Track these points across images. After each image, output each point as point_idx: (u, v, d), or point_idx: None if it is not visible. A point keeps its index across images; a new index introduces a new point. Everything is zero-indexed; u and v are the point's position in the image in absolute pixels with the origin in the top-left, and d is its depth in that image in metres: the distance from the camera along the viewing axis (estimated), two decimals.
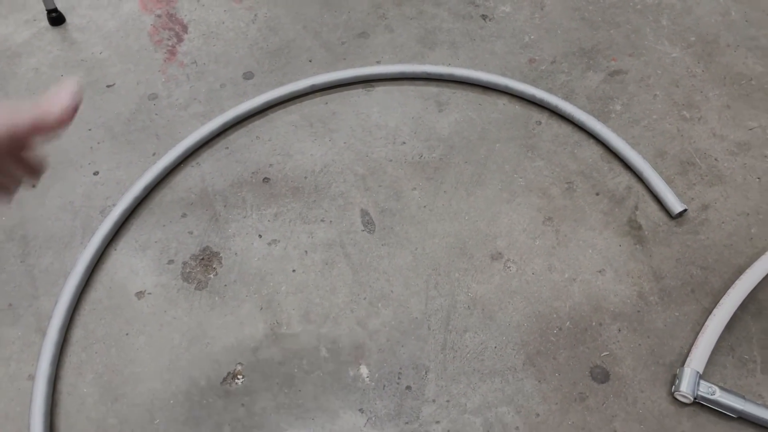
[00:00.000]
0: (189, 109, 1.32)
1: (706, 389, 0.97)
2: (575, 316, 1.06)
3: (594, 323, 1.06)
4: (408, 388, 0.99)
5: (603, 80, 1.36)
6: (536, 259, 1.12)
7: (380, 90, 1.35)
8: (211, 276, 1.09)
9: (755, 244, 1.14)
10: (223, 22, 1.47)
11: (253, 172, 1.22)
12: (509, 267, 1.11)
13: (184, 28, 1.46)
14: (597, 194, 1.20)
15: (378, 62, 1.38)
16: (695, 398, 0.97)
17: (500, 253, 1.13)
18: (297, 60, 1.40)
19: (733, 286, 1.08)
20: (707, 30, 1.44)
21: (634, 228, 1.16)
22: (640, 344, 1.04)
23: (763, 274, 1.09)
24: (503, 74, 1.37)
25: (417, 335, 1.04)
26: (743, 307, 1.07)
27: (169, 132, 1.28)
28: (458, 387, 0.99)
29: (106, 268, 1.11)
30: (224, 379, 0.99)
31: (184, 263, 1.11)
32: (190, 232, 1.14)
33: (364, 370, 1.01)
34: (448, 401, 0.98)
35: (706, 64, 1.38)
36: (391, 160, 1.24)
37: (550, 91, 1.33)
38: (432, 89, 1.35)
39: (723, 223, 1.17)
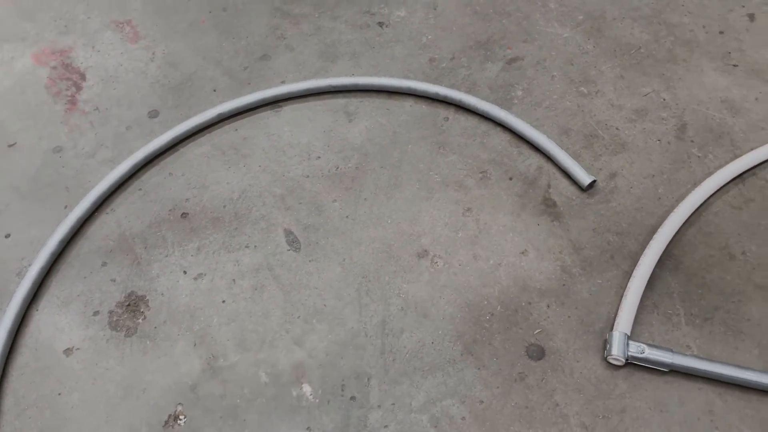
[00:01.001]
0: (97, 157, 1.30)
1: (636, 349, 1.00)
2: (505, 299, 1.09)
3: (524, 303, 1.09)
4: (352, 398, 1.00)
5: (502, 69, 1.40)
6: (461, 250, 1.15)
7: (288, 109, 1.35)
8: (140, 320, 1.08)
9: (663, 203, 1.19)
10: (121, 65, 1.45)
11: (170, 210, 1.21)
12: (436, 262, 1.13)
13: (82, 76, 1.44)
14: (510, 179, 1.23)
15: (282, 82, 1.39)
16: (627, 359, 1.01)
17: (426, 251, 1.15)
18: (201, 91, 1.39)
19: (648, 246, 1.12)
20: (593, 7, 1.50)
21: (549, 206, 1.20)
22: (569, 316, 1.07)
23: (674, 231, 1.14)
24: (406, 77, 1.39)
25: (355, 344, 1.05)
26: (661, 264, 1.12)
27: (79, 182, 1.25)
28: (401, 388, 1.00)
29: (29, 330, 1.08)
30: (166, 423, 0.98)
31: (111, 312, 1.09)
32: (113, 280, 1.12)
33: (306, 389, 1.01)
34: (393, 404, 0.99)
35: (597, 40, 1.44)
36: (308, 176, 1.25)
37: (453, 86, 1.37)
38: (339, 101, 1.36)
39: (631, 187, 1.21)
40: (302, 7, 1.54)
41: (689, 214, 1.16)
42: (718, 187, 1.20)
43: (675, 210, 1.16)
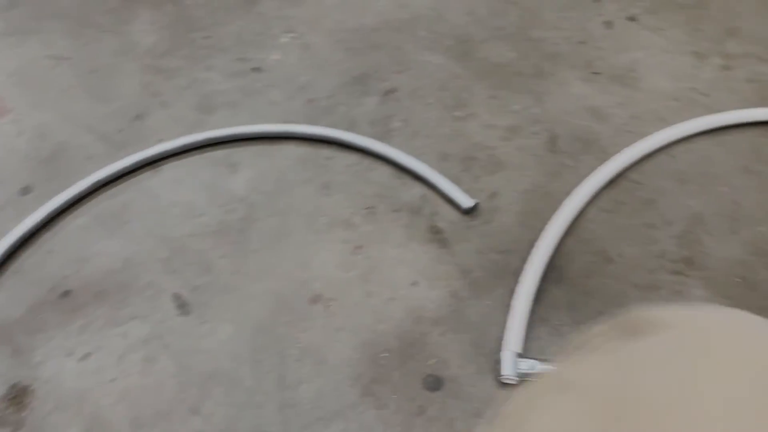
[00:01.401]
0: None
1: (527, 366, 1.03)
2: (400, 333, 1.10)
3: (418, 335, 1.10)
4: None
5: (379, 102, 1.42)
6: (354, 290, 1.15)
7: (168, 168, 1.33)
8: (26, 413, 1.03)
9: (542, 216, 1.23)
10: None
11: (50, 289, 1.16)
12: (330, 306, 1.14)
13: None
14: (396, 211, 1.25)
15: (160, 141, 1.36)
16: (519, 378, 1.03)
17: (319, 295, 1.15)
18: (75, 161, 1.35)
19: (529, 261, 1.16)
20: (460, 32, 1.55)
21: (435, 233, 1.22)
22: (462, 342, 1.09)
23: (554, 243, 1.18)
24: (286, 121, 1.40)
25: (253, 404, 1.04)
26: (545, 277, 1.16)
27: None
28: None
29: None
30: None
31: None
32: None
33: None
34: None
35: (467, 63, 1.49)
36: (193, 235, 1.23)
37: (332, 125, 1.38)
38: (220, 153, 1.35)
39: (511, 204, 1.25)
40: (174, 60, 1.53)
41: (566, 224, 1.21)
42: (590, 195, 1.25)
43: (551, 222, 1.20)
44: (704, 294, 1.12)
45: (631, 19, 1.55)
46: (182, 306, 1.14)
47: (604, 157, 1.30)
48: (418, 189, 1.28)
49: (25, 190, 1.31)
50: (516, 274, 1.16)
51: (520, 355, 1.05)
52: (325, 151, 1.35)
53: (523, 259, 1.18)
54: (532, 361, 1.03)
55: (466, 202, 1.23)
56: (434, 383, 1.05)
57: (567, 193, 1.25)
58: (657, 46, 1.49)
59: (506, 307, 1.13)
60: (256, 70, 1.50)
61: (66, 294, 1.16)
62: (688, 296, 1.12)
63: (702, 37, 1.51)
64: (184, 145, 1.33)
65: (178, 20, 1.61)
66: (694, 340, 0.36)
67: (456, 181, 1.29)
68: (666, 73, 1.44)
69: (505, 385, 1.05)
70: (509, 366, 1.03)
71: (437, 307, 1.13)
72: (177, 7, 1.65)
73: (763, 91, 1.40)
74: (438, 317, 1.12)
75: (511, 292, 1.14)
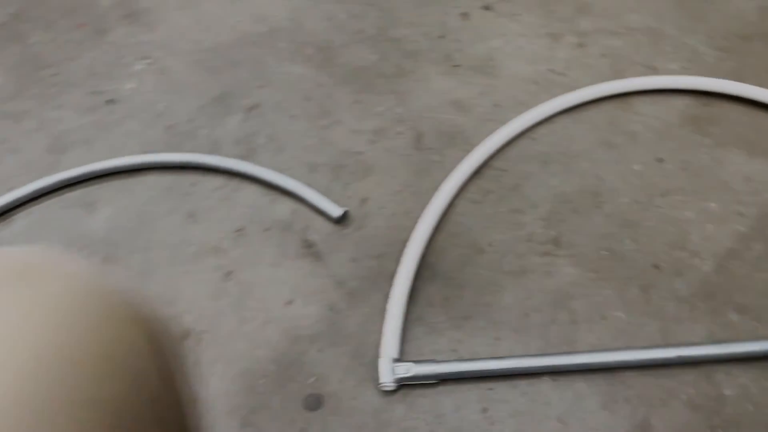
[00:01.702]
0: None
1: (403, 370, 1.02)
2: (277, 357, 1.07)
3: (296, 355, 1.07)
4: None
5: (242, 120, 1.39)
6: (227, 318, 1.12)
7: (21, 217, 1.26)
8: None
9: (413, 215, 1.22)
10: None
11: None
12: (202, 339, 1.10)
13: None
14: (266, 230, 1.22)
15: (10, 189, 1.29)
16: (398, 383, 1.02)
17: (190, 330, 1.11)
18: None
19: (401, 263, 1.15)
20: (320, 38, 1.53)
21: (308, 248, 1.19)
22: (341, 355, 1.07)
23: (424, 241, 1.18)
24: (145, 151, 1.34)
25: None
26: (419, 276, 1.15)
27: None
28: None
29: None
30: None
31: None
32: None
33: None
34: None
35: (329, 70, 1.47)
36: None
37: (195, 149, 1.33)
38: (76, 194, 1.29)
39: (382, 208, 1.24)
40: (22, 103, 1.45)
41: (436, 220, 1.21)
42: (457, 188, 1.25)
43: (421, 220, 1.19)
44: (574, 271, 1.14)
45: (487, 8, 1.57)
46: None
47: (469, 148, 1.31)
48: (287, 204, 1.26)
49: None
50: (391, 277, 1.15)
51: (397, 360, 1.04)
52: (189, 178, 1.30)
53: (398, 261, 1.17)
54: (408, 364, 1.03)
55: (335, 211, 1.21)
56: (315, 402, 1.03)
57: (436, 189, 1.25)
58: (513, 32, 1.52)
59: (383, 312, 1.11)
60: (111, 102, 1.44)
61: None
62: (558, 276, 1.14)
63: (555, 18, 1.54)
64: (36, 191, 1.26)
65: (24, 60, 1.53)
66: None
67: (326, 191, 1.27)
68: (523, 58, 1.46)
69: (387, 393, 1.03)
70: (386, 373, 1.02)
71: (314, 323, 1.11)
72: (21, 45, 1.56)
73: (616, 65, 1.44)
74: (315, 333, 1.10)
75: (386, 297, 1.13)
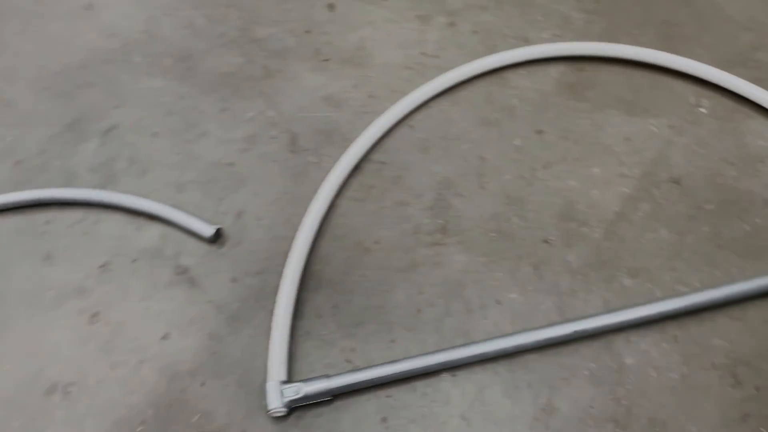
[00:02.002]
0: None
1: (292, 392, 0.94)
2: (155, 399, 0.97)
3: (177, 394, 0.98)
4: None
5: (99, 145, 1.27)
6: (96, 365, 1.01)
7: None
8: None
9: (294, 223, 1.15)
10: None
11: None
12: (70, 392, 0.98)
13: None
14: (134, 261, 1.11)
15: None
16: (288, 406, 0.94)
17: (55, 383, 0.99)
18: None
19: (283, 276, 1.07)
20: (178, 48, 1.43)
21: (181, 274, 1.10)
22: (227, 385, 0.99)
23: (306, 249, 1.10)
24: None
25: None
26: (304, 287, 1.08)
27: None
28: None
29: None
30: None
31: None
32: None
33: None
34: None
35: (191, 80, 1.37)
36: None
37: (48, 184, 1.21)
38: None
39: (260, 220, 1.16)
40: None
41: (317, 225, 1.13)
42: (338, 187, 1.18)
43: (301, 228, 1.11)
44: (464, 258, 1.09)
45: None
46: None
47: (346, 144, 1.24)
48: (155, 230, 1.16)
49: None
50: (275, 293, 1.07)
51: (286, 382, 0.96)
52: (43, 216, 1.18)
53: (280, 275, 1.08)
54: (297, 384, 0.95)
55: (207, 230, 1.12)
56: None
57: (316, 192, 1.17)
58: (381, 18, 1.46)
59: (269, 332, 1.03)
60: None
61: None
62: (448, 265, 1.08)
63: (424, 0, 1.49)
64: None
65: None
66: None
67: (197, 210, 1.17)
68: (394, 44, 1.41)
69: (278, 419, 0.95)
70: (275, 398, 0.94)
71: (194, 355, 1.02)
72: None
73: (488, 40, 1.40)
74: (196, 367, 1.00)
75: (271, 315, 1.05)
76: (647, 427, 0.91)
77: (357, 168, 1.22)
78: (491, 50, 1.38)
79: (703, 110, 1.25)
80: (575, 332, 0.97)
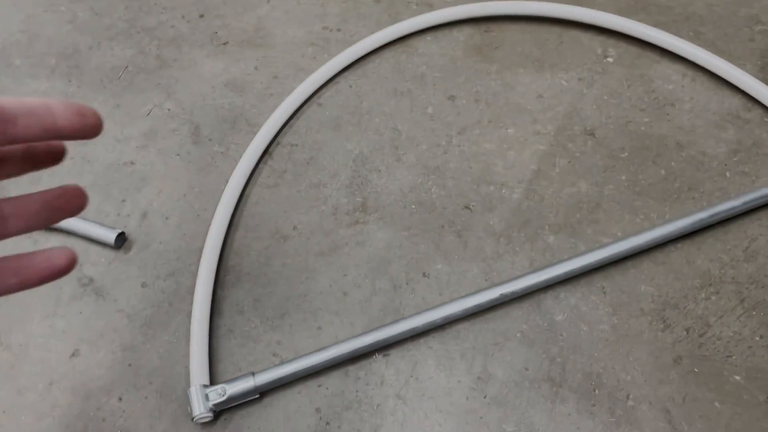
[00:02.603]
0: None
1: (216, 395, 0.88)
2: (69, 422, 0.90)
3: (92, 413, 0.91)
4: None
5: None
6: (0, 394, 0.92)
7: None
8: None
9: (204, 218, 1.08)
10: None
11: None
12: None
13: None
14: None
15: None
16: (214, 410, 0.88)
17: None
18: None
19: (198, 276, 1.00)
20: (63, 45, 1.32)
21: (86, 285, 1.02)
22: (146, 397, 0.92)
23: (219, 245, 1.04)
24: None
25: None
26: (221, 284, 1.02)
27: None
28: None
29: None
30: None
31: None
32: None
33: None
34: None
35: (78, 78, 1.27)
36: None
37: None
38: None
39: (167, 218, 1.08)
40: None
41: (229, 217, 1.07)
42: (248, 175, 1.12)
43: (212, 223, 1.05)
44: (386, 235, 1.05)
45: None
46: None
47: (254, 130, 1.18)
48: (53, 242, 1.07)
49: None
50: (191, 294, 1.00)
51: (208, 385, 0.90)
52: None
53: (195, 274, 1.02)
54: (220, 386, 0.89)
55: (109, 236, 1.04)
56: None
57: (225, 182, 1.11)
58: None
59: (188, 336, 0.97)
60: None
61: None
62: (371, 243, 1.04)
63: None
64: None
65: None
66: None
67: (99, 215, 1.09)
68: (295, 21, 1.34)
69: (204, 425, 0.89)
70: (198, 403, 0.88)
71: (107, 370, 0.94)
72: None
73: (390, 9, 1.35)
74: (111, 382, 0.93)
75: (189, 317, 0.98)
76: (582, 382, 0.89)
77: (267, 153, 1.16)
78: (395, 19, 1.34)
79: (610, 60, 1.24)
80: (502, 295, 0.94)
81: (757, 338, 0.92)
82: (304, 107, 1.22)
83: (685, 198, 1.06)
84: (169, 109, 1.22)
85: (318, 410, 0.90)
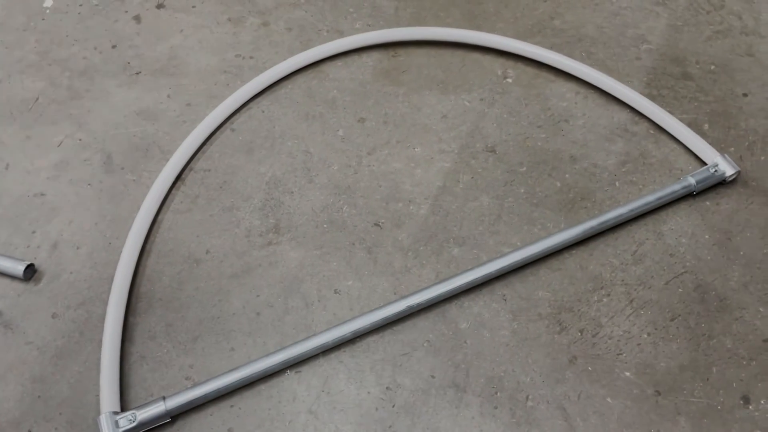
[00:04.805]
0: None
1: (126, 422, 0.89)
2: None
3: None
4: None
5: None
6: None
7: None
8: None
9: (115, 246, 1.08)
10: None
11: None
12: None
13: None
14: None
15: None
16: None
17: None
18: None
19: (108, 304, 1.01)
20: None
21: None
22: (56, 428, 0.92)
23: (130, 274, 1.05)
24: None
25: None
26: (133, 311, 1.03)
27: None
28: None
29: None
30: None
31: None
32: None
33: None
34: None
35: None
36: None
37: None
38: None
39: (78, 248, 1.09)
40: None
41: (140, 244, 1.08)
42: (160, 202, 1.13)
43: (123, 250, 1.06)
44: (298, 254, 1.08)
45: (160, 6, 1.45)
46: None
47: (166, 157, 1.20)
48: None
49: None
50: (102, 322, 1.01)
51: (118, 412, 0.90)
52: None
53: (106, 303, 1.02)
54: (131, 412, 0.89)
55: (17, 268, 1.04)
56: None
57: (138, 210, 1.12)
58: (192, 24, 1.42)
59: (99, 364, 0.97)
60: None
61: None
62: (283, 263, 1.07)
63: (234, 2, 1.46)
64: None
65: None
66: None
67: (7, 247, 1.09)
68: (208, 49, 1.37)
69: None
70: (108, 430, 0.88)
71: (16, 403, 0.94)
72: None
73: (302, 36, 1.40)
74: (20, 414, 0.93)
75: (100, 346, 0.98)
76: (485, 386, 0.94)
77: (179, 179, 1.18)
78: (307, 45, 1.38)
79: (509, 80, 1.32)
80: (409, 307, 0.98)
81: (645, 335, 0.99)
82: (217, 133, 1.24)
83: (578, 207, 1.13)
84: (80, 139, 1.23)
85: (230, 430, 0.92)
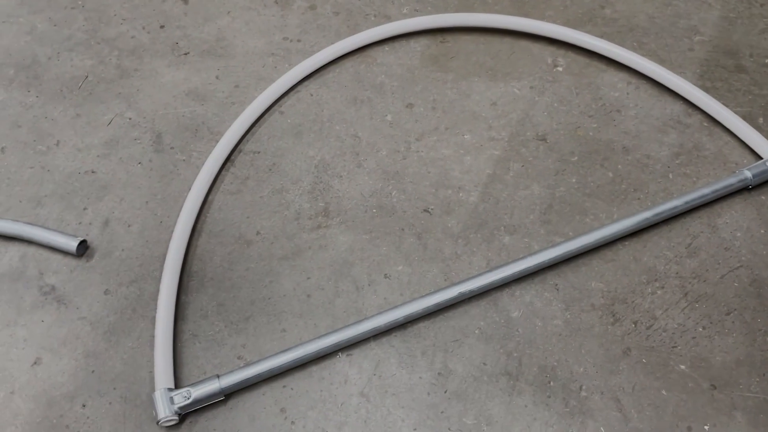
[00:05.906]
0: None
1: (181, 398, 0.90)
2: (32, 429, 0.90)
3: (55, 421, 0.91)
4: None
5: None
6: None
7: None
8: None
9: (167, 225, 1.09)
10: None
11: None
12: None
13: None
14: None
15: None
16: (179, 413, 0.89)
17: None
18: None
19: (161, 281, 1.01)
20: (21, 55, 1.32)
21: (47, 293, 1.02)
22: (110, 403, 0.93)
23: (182, 251, 1.05)
24: None
25: None
26: (185, 289, 1.03)
27: None
28: None
29: None
30: None
31: None
32: None
33: None
34: None
35: (38, 88, 1.27)
36: None
37: None
38: None
39: (130, 225, 1.09)
40: None
41: (192, 224, 1.08)
42: (210, 183, 1.13)
43: (176, 228, 1.06)
44: (348, 238, 1.08)
45: None
46: None
47: (216, 138, 1.20)
48: (14, 251, 1.06)
49: None
50: (153, 300, 1.02)
51: (173, 389, 0.91)
52: None
53: (158, 281, 1.03)
54: (185, 389, 0.90)
55: (71, 244, 1.05)
56: None
57: (188, 189, 1.12)
58: (239, 6, 1.41)
59: (151, 341, 0.97)
60: None
61: None
62: (333, 246, 1.07)
63: None
64: None
65: None
66: None
67: (59, 224, 1.09)
68: (255, 32, 1.37)
69: (170, 428, 0.90)
70: (163, 407, 0.89)
71: (71, 377, 0.94)
72: None
73: (350, 20, 1.39)
74: (74, 388, 0.93)
75: (152, 323, 0.99)
76: (538, 375, 0.93)
77: (229, 160, 1.18)
78: (354, 30, 1.38)
79: (559, 69, 1.30)
80: (461, 294, 0.98)
81: (700, 329, 0.97)
82: (266, 115, 1.24)
83: (631, 198, 1.11)
84: (130, 118, 1.23)
85: (283, 410, 0.92)
